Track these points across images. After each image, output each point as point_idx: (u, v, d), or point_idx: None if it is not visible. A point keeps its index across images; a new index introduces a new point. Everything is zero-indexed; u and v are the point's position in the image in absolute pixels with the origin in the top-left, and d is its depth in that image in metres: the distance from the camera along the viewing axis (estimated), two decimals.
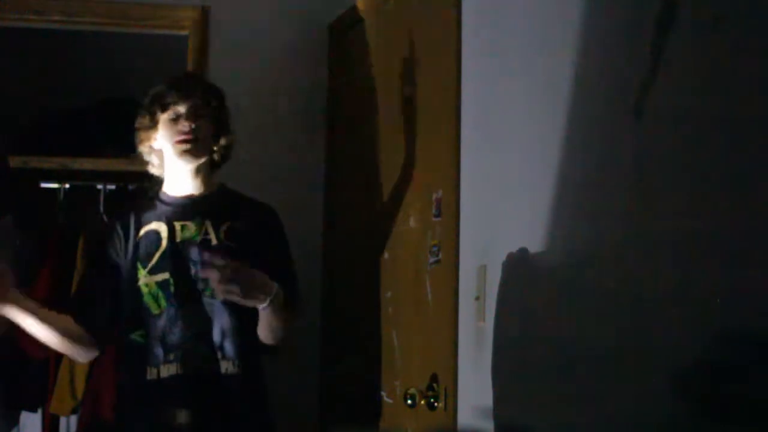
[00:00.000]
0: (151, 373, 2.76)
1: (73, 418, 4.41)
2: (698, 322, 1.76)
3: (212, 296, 2.75)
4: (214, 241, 2.81)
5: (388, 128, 3.36)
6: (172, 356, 2.75)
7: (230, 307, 2.74)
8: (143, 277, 2.79)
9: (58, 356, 4.23)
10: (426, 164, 3.07)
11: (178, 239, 2.81)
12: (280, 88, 3.97)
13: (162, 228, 2.84)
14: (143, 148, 2.93)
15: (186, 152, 2.83)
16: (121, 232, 2.86)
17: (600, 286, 2.10)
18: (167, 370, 2.76)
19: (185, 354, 2.75)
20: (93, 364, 4.18)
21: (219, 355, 2.76)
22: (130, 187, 4.50)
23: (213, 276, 2.61)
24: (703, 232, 1.77)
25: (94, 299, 2.83)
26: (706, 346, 1.74)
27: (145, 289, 2.78)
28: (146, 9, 4.02)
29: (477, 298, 2.69)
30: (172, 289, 2.77)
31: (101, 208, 4.43)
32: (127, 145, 4.58)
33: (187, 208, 2.87)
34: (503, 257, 2.54)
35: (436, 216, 2.94)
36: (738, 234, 1.68)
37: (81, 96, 4.80)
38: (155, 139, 2.89)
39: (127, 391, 2.86)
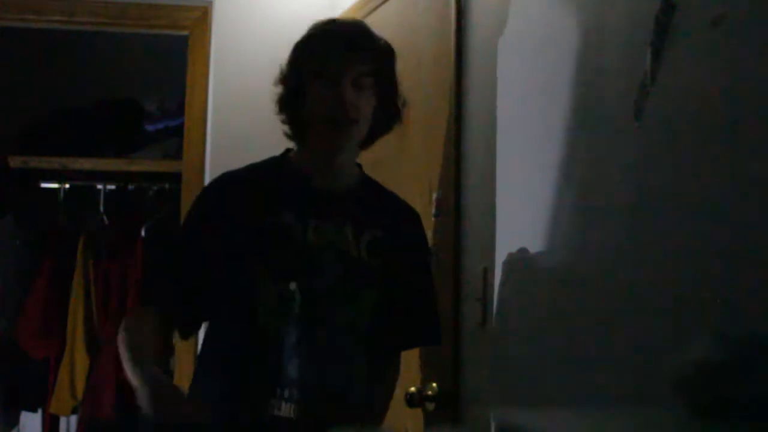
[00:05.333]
0: (246, 408, 2.15)
1: (73, 418, 4.42)
2: (698, 322, 1.76)
3: (345, 327, 2.19)
4: (354, 254, 2.22)
5: None
6: (285, 393, 2.15)
7: (366, 343, 2.22)
8: (262, 282, 2.16)
9: (58, 356, 4.24)
10: (426, 164, 3.07)
11: (311, 243, 2.20)
12: None
13: (294, 223, 2.21)
14: (281, 110, 2.28)
15: (338, 135, 2.19)
16: (234, 208, 2.22)
17: (600, 286, 2.10)
18: (277, 409, 2.15)
19: (304, 393, 2.15)
20: (93, 364, 4.19)
21: (339, 402, 2.19)
22: (130, 187, 4.51)
23: None
24: (703, 231, 1.77)
25: (185, 291, 2.22)
26: (706, 346, 1.73)
27: (262, 300, 2.15)
28: (146, 9, 4.02)
29: (478, 299, 2.69)
30: (297, 306, 2.16)
31: (101, 208, 4.44)
32: (127, 145, 4.62)
33: (326, 204, 2.24)
34: (503, 257, 2.54)
35: (436, 216, 2.94)
36: (738, 234, 1.68)
37: (81, 96, 4.80)
38: (301, 104, 2.22)
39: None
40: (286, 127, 2.28)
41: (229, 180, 2.29)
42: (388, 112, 2.30)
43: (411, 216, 2.39)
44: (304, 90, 2.20)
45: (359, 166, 2.38)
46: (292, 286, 2.15)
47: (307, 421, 2.15)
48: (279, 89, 2.27)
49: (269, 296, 2.15)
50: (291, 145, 2.36)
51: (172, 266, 2.26)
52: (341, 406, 2.19)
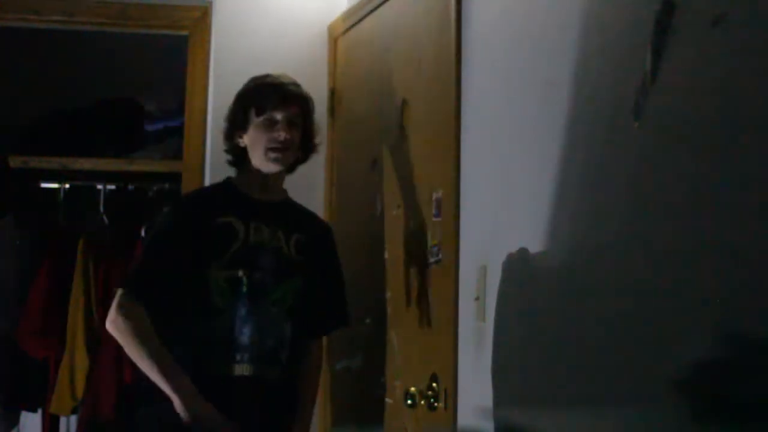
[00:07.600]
0: (210, 369, 2.81)
1: (73, 418, 4.42)
2: (698, 322, 1.76)
3: (277, 303, 2.85)
4: (285, 251, 2.89)
5: (388, 128, 3.36)
6: (239, 356, 2.81)
7: (292, 316, 2.87)
8: (214, 270, 2.81)
9: (58, 356, 4.24)
10: (426, 164, 3.07)
11: (251, 240, 2.85)
12: None
13: (238, 225, 2.86)
14: (226, 141, 2.96)
15: (276, 161, 2.87)
16: (192, 218, 2.88)
17: (600, 286, 2.10)
18: (236, 369, 2.82)
19: (253, 355, 2.82)
20: (93, 364, 4.19)
21: (275, 361, 2.85)
22: (130, 187, 4.51)
23: None
24: (703, 232, 1.77)
25: (155, 281, 2.84)
26: (706, 346, 1.74)
27: (214, 283, 2.80)
28: (146, 9, 4.02)
29: (477, 298, 2.69)
30: (245, 288, 2.82)
31: (101, 208, 4.44)
32: (127, 145, 4.61)
33: (262, 211, 2.90)
34: (503, 257, 2.54)
35: (436, 216, 2.94)
36: (738, 234, 1.68)
37: (81, 96, 4.80)
38: (242, 137, 2.90)
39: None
40: (228, 156, 2.96)
41: (186, 199, 3.22)
42: (308, 145, 2.98)
43: (325, 228, 3.11)
44: (246, 128, 2.88)
45: (286, 193, 3.02)
46: (240, 272, 2.82)
47: (257, 377, 2.83)
48: (226, 125, 2.94)
49: (219, 280, 2.82)
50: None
51: (149, 266, 2.88)
52: (276, 363, 2.85)
